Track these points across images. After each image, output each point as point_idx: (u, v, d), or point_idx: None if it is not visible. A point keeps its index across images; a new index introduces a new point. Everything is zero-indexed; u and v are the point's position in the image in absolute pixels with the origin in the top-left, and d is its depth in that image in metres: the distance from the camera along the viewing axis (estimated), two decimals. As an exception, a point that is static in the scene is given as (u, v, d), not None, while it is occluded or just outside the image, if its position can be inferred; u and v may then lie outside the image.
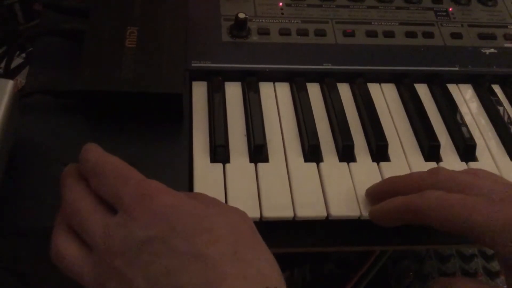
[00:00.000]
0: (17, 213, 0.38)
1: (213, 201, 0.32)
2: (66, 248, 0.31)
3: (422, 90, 0.51)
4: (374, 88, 0.51)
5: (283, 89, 0.49)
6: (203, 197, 0.33)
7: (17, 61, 0.59)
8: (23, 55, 0.60)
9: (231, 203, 0.40)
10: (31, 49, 0.59)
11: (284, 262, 0.78)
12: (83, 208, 0.31)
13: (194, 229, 0.28)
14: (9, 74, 0.52)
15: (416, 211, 0.36)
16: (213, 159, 0.42)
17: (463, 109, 0.50)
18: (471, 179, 0.37)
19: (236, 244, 0.28)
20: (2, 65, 0.59)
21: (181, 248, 0.27)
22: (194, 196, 0.32)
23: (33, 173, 0.40)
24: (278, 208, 0.40)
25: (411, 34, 0.54)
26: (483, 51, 0.55)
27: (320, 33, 0.52)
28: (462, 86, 0.53)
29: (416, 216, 0.36)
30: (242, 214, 0.32)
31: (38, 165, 0.40)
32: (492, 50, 0.55)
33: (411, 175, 0.41)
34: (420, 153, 0.46)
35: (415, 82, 0.52)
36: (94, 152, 0.33)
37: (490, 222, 0.32)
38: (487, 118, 0.50)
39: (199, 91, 0.48)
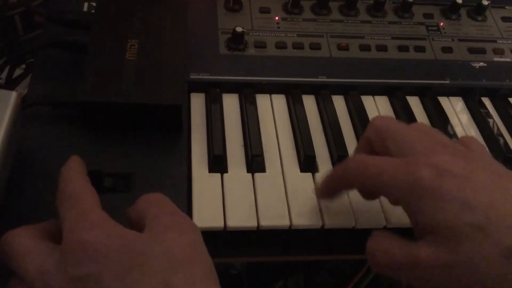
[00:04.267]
0: (18, 223, 0.38)
1: (153, 216, 0.31)
2: None
3: (414, 102, 0.53)
4: (367, 100, 0.52)
5: (280, 101, 0.50)
6: (144, 210, 0.32)
7: (17, 71, 0.60)
8: (23, 65, 0.60)
9: (229, 212, 0.40)
10: (31, 60, 0.60)
11: (278, 271, 0.79)
12: (22, 246, 0.30)
13: (124, 267, 0.28)
14: (9, 84, 0.52)
15: (343, 178, 0.38)
16: (211, 169, 0.43)
17: (453, 121, 0.52)
18: (403, 131, 0.37)
19: (168, 273, 0.28)
20: (2, 75, 0.60)
21: (115, 287, 0.27)
22: (134, 215, 0.32)
23: (34, 184, 0.41)
24: (274, 217, 0.41)
25: (403, 48, 0.56)
26: (473, 64, 0.56)
27: (315, 47, 0.54)
28: (452, 98, 0.54)
29: (345, 183, 0.38)
30: (183, 228, 0.31)
31: (39, 175, 0.41)
32: (482, 64, 0.56)
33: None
34: (412, 163, 0.47)
35: (407, 95, 0.53)
36: (66, 167, 0.33)
37: (400, 184, 0.33)
38: (477, 130, 0.52)
39: (197, 103, 0.49)
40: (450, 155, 0.34)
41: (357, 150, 0.41)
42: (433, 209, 0.32)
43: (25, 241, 0.31)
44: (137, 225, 0.32)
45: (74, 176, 0.33)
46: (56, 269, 0.28)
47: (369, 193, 0.39)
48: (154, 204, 0.33)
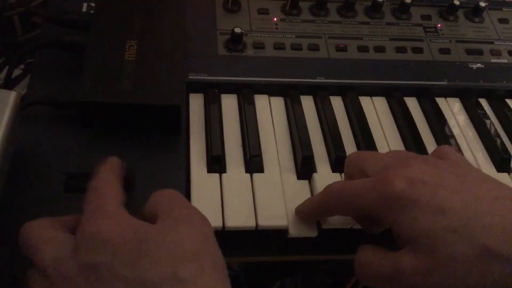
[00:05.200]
0: (17, 222, 0.38)
1: (165, 209, 0.32)
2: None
3: (412, 103, 0.53)
4: (365, 101, 0.52)
5: (278, 101, 0.51)
6: (157, 204, 0.33)
7: (15, 71, 0.60)
8: (22, 66, 0.60)
9: (227, 212, 0.41)
10: (29, 60, 0.60)
11: (276, 272, 0.79)
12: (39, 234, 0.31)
13: (135, 256, 0.28)
14: (8, 84, 0.53)
15: (324, 205, 0.39)
16: (210, 169, 0.43)
17: (451, 122, 0.52)
18: (375, 154, 0.39)
19: (177, 263, 0.28)
20: (1, 76, 0.60)
21: (126, 275, 0.28)
22: (147, 210, 0.33)
23: (33, 183, 0.41)
24: (273, 217, 0.41)
25: (401, 49, 0.56)
26: (471, 66, 0.56)
27: (314, 48, 0.54)
28: (450, 99, 0.55)
29: (327, 210, 0.39)
30: (194, 221, 0.32)
31: (37, 175, 0.41)
32: (479, 65, 0.57)
33: None
34: (410, 164, 0.47)
35: (405, 96, 0.53)
36: (102, 164, 0.35)
37: (377, 200, 0.34)
38: (474, 131, 0.52)
39: (196, 103, 0.49)
40: (420, 165, 0.35)
41: None
42: (409, 218, 0.32)
43: (42, 231, 0.31)
44: (150, 220, 0.32)
45: (104, 173, 0.34)
46: (69, 258, 0.29)
47: (367, 224, 0.40)
48: (166, 198, 0.33)
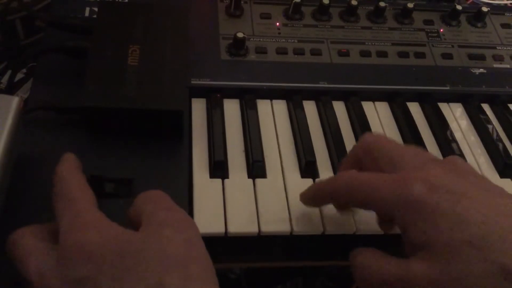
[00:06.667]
0: (19, 227, 0.38)
1: (149, 212, 0.31)
2: None
3: (414, 108, 0.53)
4: (368, 106, 0.52)
5: (280, 106, 0.51)
6: (141, 207, 0.32)
7: (17, 75, 0.60)
8: (24, 70, 0.60)
9: (230, 218, 0.40)
10: (32, 64, 0.60)
11: (277, 275, 0.79)
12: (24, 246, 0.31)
13: (120, 268, 0.28)
14: (10, 89, 0.53)
15: (332, 193, 0.37)
16: (212, 175, 0.43)
17: (453, 127, 0.52)
18: (394, 147, 0.37)
19: (163, 272, 0.28)
20: (3, 80, 0.60)
21: None
22: (132, 212, 0.32)
23: (35, 189, 0.41)
24: (275, 223, 0.41)
25: (403, 54, 0.56)
26: (473, 71, 0.56)
27: (316, 53, 0.54)
28: (452, 105, 0.55)
29: (334, 197, 0.38)
30: (179, 224, 0.31)
31: (40, 180, 0.41)
32: (481, 70, 0.57)
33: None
34: (412, 169, 0.47)
35: (407, 101, 0.53)
36: (62, 166, 0.34)
37: (393, 199, 0.33)
38: (476, 136, 0.52)
39: (199, 108, 0.49)
40: (441, 170, 0.33)
41: (344, 166, 0.40)
42: (426, 224, 0.31)
43: (27, 242, 0.31)
44: (134, 223, 0.32)
45: (70, 176, 0.33)
46: (53, 271, 0.29)
47: (344, 205, 0.39)
48: (150, 200, 0.33)
